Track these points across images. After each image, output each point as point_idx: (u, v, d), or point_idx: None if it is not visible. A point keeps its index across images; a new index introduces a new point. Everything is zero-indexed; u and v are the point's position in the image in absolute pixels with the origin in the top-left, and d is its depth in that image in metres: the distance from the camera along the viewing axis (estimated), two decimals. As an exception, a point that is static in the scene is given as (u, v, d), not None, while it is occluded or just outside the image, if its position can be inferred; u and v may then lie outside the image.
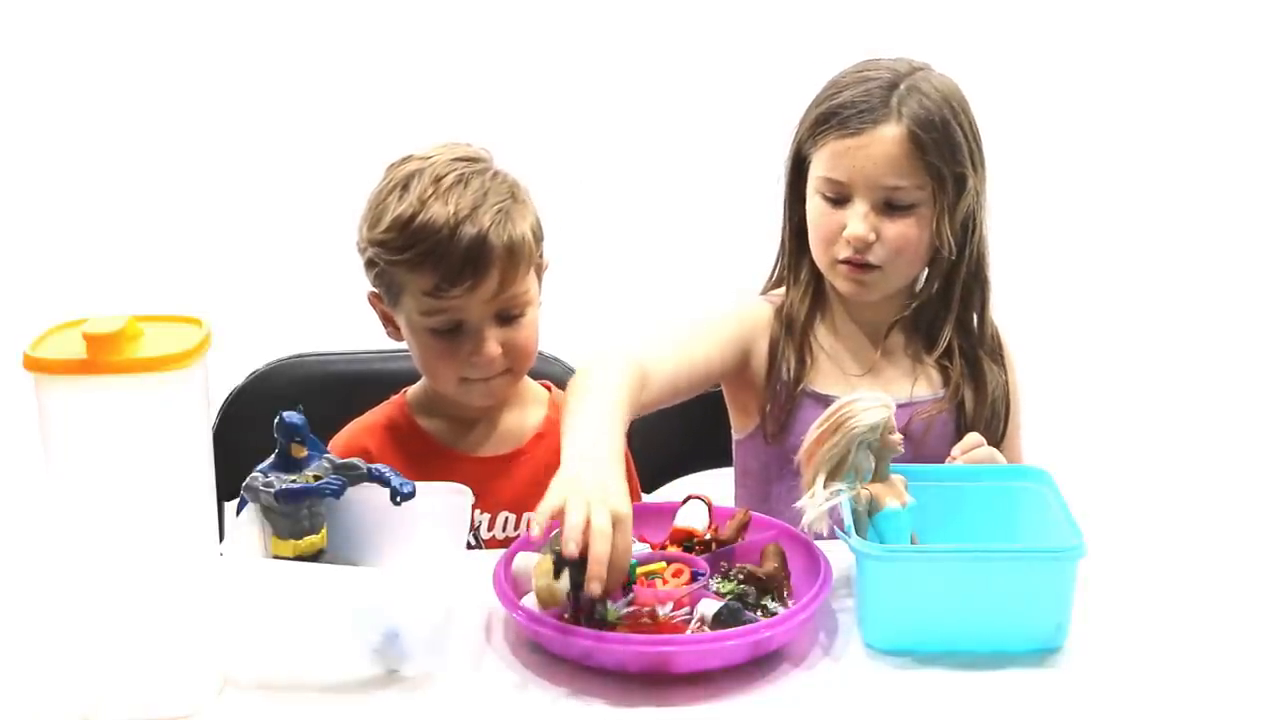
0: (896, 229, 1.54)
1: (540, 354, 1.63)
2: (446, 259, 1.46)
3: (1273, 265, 3.40)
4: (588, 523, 1.19)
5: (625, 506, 1.23)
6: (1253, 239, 3.44)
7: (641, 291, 3.18)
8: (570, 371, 1.76)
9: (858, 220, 1.54)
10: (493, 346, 1.51)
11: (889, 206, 1.54)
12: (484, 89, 3.40)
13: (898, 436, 1.31)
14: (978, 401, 1.62)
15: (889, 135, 1.52)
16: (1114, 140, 3.47)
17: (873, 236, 1.54)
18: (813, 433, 1.31)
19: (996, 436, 1.62)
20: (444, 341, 1.51)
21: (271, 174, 3.39)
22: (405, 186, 1.50)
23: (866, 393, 1.32)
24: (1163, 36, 3.47)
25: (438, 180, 1.49)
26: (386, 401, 1.63)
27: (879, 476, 1.32)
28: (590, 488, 1.23)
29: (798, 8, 3.44)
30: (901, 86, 1.54)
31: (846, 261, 1.56)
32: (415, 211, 1.47)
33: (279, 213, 3.38)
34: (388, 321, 1.57)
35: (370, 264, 1.53)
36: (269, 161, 3.40)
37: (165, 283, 3.12)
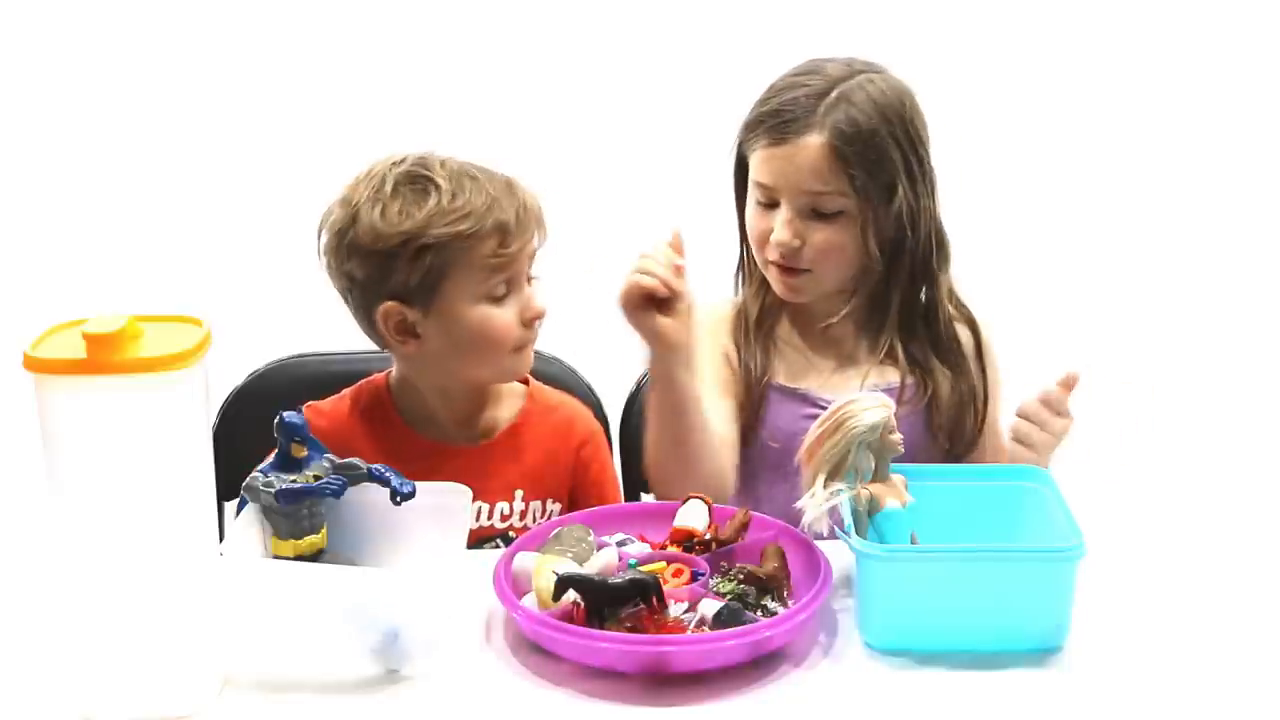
0: (822, 235, 1.56)
1: (540, 354, 1.63)
2: (503, 219, 1.48)
3: (1271, 265, 3.40)
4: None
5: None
6: (1251, 240, 3.44)
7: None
8: (571, 372, 1.77)
9: (782, 226, 1.56)
10: (541, 297, 1.54)
11: (814, 213, 1.56)
12: (482, 90, 3.40)
13: (897, 436, 1.31)
14: (944, 402, 1.63)
15: (811, 144, 1.54)
16: (1110, 143, 3.46)
17: (797, 242, 1.56)
18: (813, 433, 1.31)
19: (968, 436, 1.64)
20: (500, 306, 1.51)
21: (271, 174, 3.39)
22: (417, 187, 1.49)
23: (866, 393, 1.32)
24: (1151, 34, 3.47)
25: (444, 165, 1.51)
26: (366, 381, 1.63)
27: (879, 476, 1.32)
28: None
29: (793, 18, 3.43)
30: (832, 95, 1.54)
31: (777, 264, 1.59)
32: (455, 190, 1.48)
33: (279, 213, 3.36)
34: (405, 332, 1.52)
35: (417, 255, 1.47)
36: (268, 161, 3.39)
37: (165, 283, 3.12)
